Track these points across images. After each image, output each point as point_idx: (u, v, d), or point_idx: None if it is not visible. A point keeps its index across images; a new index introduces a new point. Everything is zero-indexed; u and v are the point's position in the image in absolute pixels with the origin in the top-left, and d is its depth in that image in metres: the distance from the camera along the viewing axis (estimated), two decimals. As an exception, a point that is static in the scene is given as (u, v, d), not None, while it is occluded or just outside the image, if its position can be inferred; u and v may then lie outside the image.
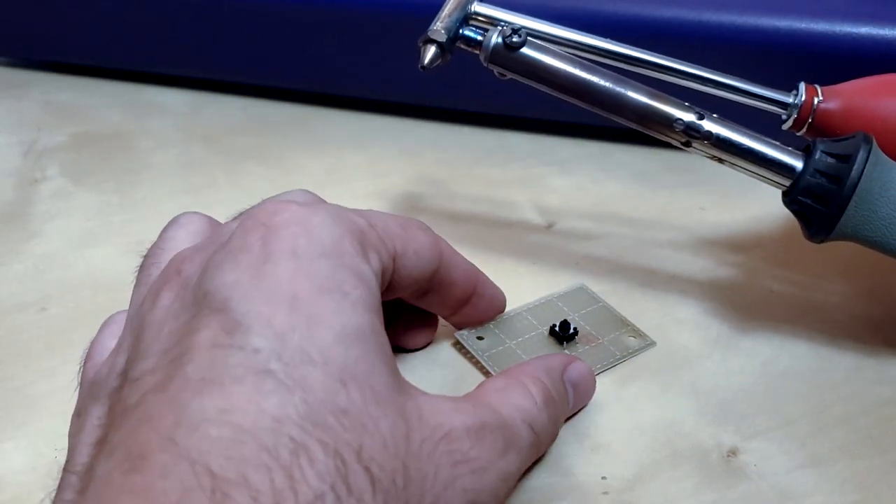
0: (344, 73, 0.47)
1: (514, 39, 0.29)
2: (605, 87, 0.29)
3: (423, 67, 0.30)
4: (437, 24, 0.30)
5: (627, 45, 0.32)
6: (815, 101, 0.31)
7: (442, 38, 0.30)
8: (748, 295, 0.35)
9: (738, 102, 0.32)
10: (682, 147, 0.29)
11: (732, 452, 0.27)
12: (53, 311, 0.34)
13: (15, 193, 0.42)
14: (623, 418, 0.29)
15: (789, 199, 0.29)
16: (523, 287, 0.34)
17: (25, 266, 0.37)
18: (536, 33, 0.31)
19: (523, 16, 0.32)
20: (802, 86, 0.32)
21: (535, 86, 0.30)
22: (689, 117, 0.29)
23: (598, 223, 0.40)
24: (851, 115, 0.31)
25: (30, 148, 0.46)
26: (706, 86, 0.32)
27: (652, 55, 0.32)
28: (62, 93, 0.52)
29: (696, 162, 0.40)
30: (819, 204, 0.28)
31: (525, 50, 0.29)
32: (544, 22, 0.31)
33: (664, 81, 0.32)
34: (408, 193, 0.42)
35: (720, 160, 0.29)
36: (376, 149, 0.46)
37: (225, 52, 0.49)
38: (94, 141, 0.47)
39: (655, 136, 0.30)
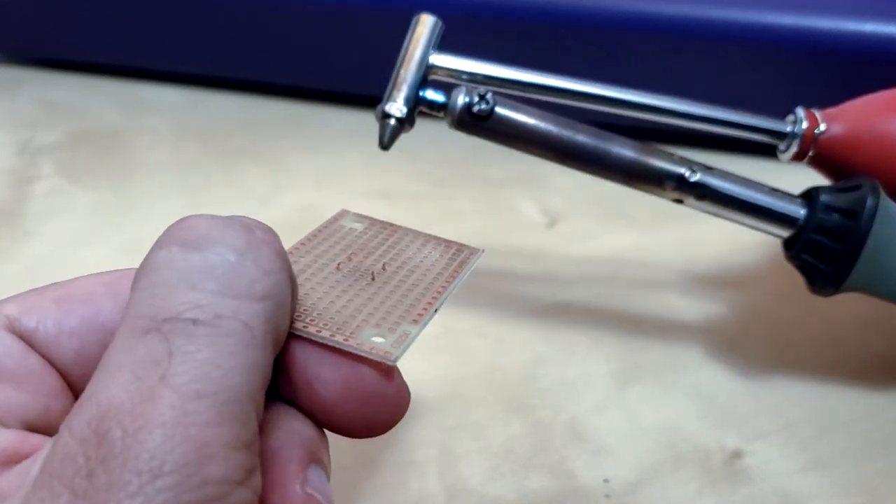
0: (341, 70, 0.47)
1: (482, 108, 0.26)
2: (585, 145, 0.27)
3: (383, 147, 0.27)
4: (395, 93, 0.27)
5: (606, 86, 0.28)
6: (818, 129, 0.28)
7: (401, 113, 0.27)
8: (750, 295, 0.34)
9: (729, 136, 0.29)
10: (674, 202, 0.27)
11: (735, 455, 0.27)
12: (48, 311, 0.33)
13: (9, 192, 0.42)
14: (625, 421, 0.28)
15: (792, 253, 0.27)
16: (524, 287, 0.34)
17: (19, 266, 0.36)
18: (505, 85, 0.28)
19: (486, 63, 0.28)
20: (801, 112, 0.29)
21: (509, 147, 0.27)
22: (679, 172, 0.26)
23: (599, 222, 0.39)
24: (856, 142, 0.28)
25: (25, 146, 0.46)
26: (694, 122, 0.29)
27: (632, 94, 0.28)
28: (57, 91, 0.51)
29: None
30: (824, 263, 0.26)
31: (495, 112, 0.27)
32: (511, 68, 0.28)
33: (649, 123, 0.29)
34: (407, 192, 0.42)
35: (715, 215, 0.27)
36: (374, 147, 0.45)
37: (221, 49, 0.48)
38: (89, 139, 0.47)
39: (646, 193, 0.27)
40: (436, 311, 0.20)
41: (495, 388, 0.30)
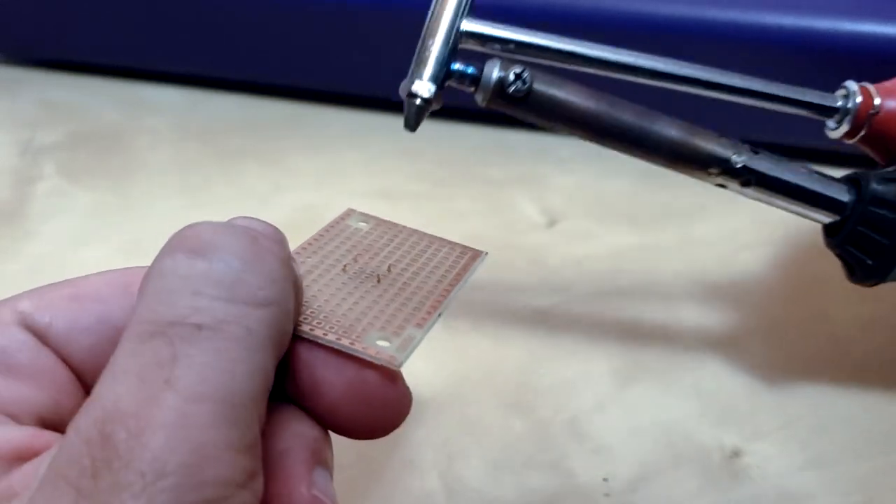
0: (341, 70, 0.47)
1: (519, 87, 0.24)
2: (628, 123, 0.25)
3: (410, 128, 0.24)
4: (421, 68, 0.24)
5: (647, 56, 0.26)
6: (873, 104, 0.26)
7: (430, 93, 0.24)
8: (750, 294, 0.34)
9: (772, 111, 0.27)
10: (716, 186, 0.26)
11: (735, 454, 0.27)
12: (49, 311, 0.33)
13: (11, 193, 0.42)
14: (625, 419, 0.28)
15: (833, 241, 0.26)
16: (524, 286, 0.34)
17: (20, 266, 0.36)
18: (544, 55, 0.25)
19: (524, 31, 0.26)
20: (854, 86, 0.26)
21: (543, 125, 0.25)
22: (725, 155, 0.25)
23: (599, 222, 0.39)
24: None
25: (26, 147, 0.46)
26: (738, 96, 0.26)
27: (676, 66, 0.26)
28: (58, 91, 0.51)
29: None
30: (868, 256, 0.25)
31: (533, 91, 0.24)
32: (548, 37, 0.25)
33: (690, 95, 0.27)
34: (407, 192, 0.42)
35: (756, 199, 0.26)
36: (375, 147, 0.46)
37: (221, 49, 0.48)
38: (90, 139, 0.47)
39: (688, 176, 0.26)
40: (439, 314, 0.20)
41: (495, 387, 0.30)
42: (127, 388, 0.15)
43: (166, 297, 0.16)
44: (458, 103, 0.47)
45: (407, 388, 0.18)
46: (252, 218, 0.19)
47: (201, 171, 0.44)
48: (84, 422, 0.14)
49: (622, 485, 0.26)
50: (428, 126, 0.51)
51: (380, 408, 0.18)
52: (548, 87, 0.24)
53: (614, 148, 0.25)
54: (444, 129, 0.47)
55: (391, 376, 0.18)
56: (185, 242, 0.17)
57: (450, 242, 0.22)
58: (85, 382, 0.18)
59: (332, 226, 0.22)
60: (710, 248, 0.37)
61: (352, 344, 0.18)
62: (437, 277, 0.21)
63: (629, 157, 0.26)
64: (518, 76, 0.24)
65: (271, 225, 0.19)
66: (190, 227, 0.17)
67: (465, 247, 0.22)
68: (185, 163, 0.44)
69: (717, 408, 0.29)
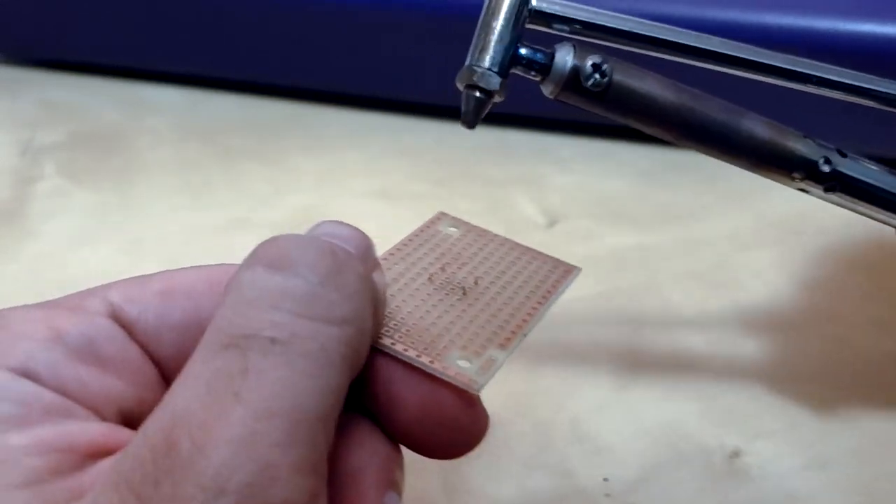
0: (341, 70, 0.47)
1: (597, 80, 0.21)
2: (714, 121, 0.22)
3: (468, 125, 0.22)
4: (483, 55, 0.21)
5: (744, 46, 0.24)
6: None
7: (495, 85, 0.21)
8: (751, 294, 0.34)
9: (868, 108, 0.25)
10: (798, 190, 0.25)
11: (736, 454, 0.27)
12: (49, 311, 0.33)
13: (11, 193, 0.42)
14: (625, 420, 0.28)
15: None
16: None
17: (21, 266, 0.36)
18: (620, 39, 0.23)
19: (605, 12, 0.23)
20: None
21: (617, 119, 0.23)
22: (813, 159, 0.23)
23: (599, 222, 0.39)
24: None
25: (26, 147, 0.46)
26: (826, 88, 0.24)
27: (781, 58, 0.24)
28: (58, 91, 0.51)
29: (698, 160, 0.40)
30: None
31: (613, 85, 0.22)
32: (628, 18, 0.23)
33: (776, 88, 0.25)
34: (407, 192, 0.42)
35: (839, 205, 0.24)
36: (375, 147, 0.46)
37: (221, 49, 0.48)
38: (90, 139, 0.47)
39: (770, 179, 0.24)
40: (524, 335, 0.19)
41: (495, 387, 0.30)
42: (196, 396, 0.14)
43: (243, 310, 0.16)
44: (458, 102, 0.47)
45: (484, 412, 0.18)
46: (339, 223, 0.18)
47: (202, 171, 0.43)
48: (152, 426, 0.14)
49: (623, 485, 0.26)
50: (428, 125, 0.52)
51: (453, 430, 0.18)
52: (628, 79, 0.22)
53: (693, 147, 0.23)
54: (443, 129, 0.47)
55: (468, 399, 0.18)
56: (265, 255, 0.17)
57: (541, 255, 0.22)
58: (168, 380, 0.18)
59: (421, 230, 0.22)
60: (710, 248, 0.37)
61: (431, 362, 0.17)
62: (525, 293, 0.20)
63: (704, 154, 0.24)
64: (597, 67, 0.21)
65: (357, 231, 0.18)
66: (273, 239, 0.17)
67: (557, 260, 0.22)
68: (186, 163, 0.44)
69: (717, 408, 0.29)
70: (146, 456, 0.14)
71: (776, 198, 0.39)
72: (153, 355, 0.18)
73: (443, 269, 0.20)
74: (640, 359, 0.31)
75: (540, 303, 0.20)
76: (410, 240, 0.21)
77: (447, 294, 0.20)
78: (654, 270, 0.36)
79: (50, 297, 0.17)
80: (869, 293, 0.34)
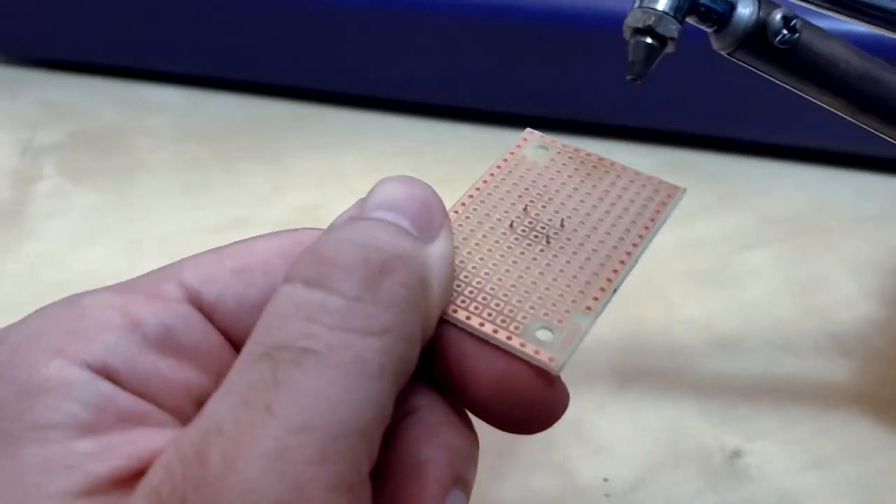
0: (341, 70, 0.47)
1: (786, 36, 0.19)
2: None
3: (636, 77, 0.19)
4: (659, 2, 0.19)
5: None
6: None
7: (672, 32, 0.19)
8: (750, 294, 0.34)
9: None
10: None
11: (735, 454, 0.27)
12: (49, 311, 0.33)
13: (11, 193, 0.42)
14: (625, 420, 0.28)
15: None
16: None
17: (21, 266, 0.36)
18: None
19: None
20: None
21: (789, 85, 0.21)
22: None
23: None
24: None
25: (26, 147, 0.46)
26: None
27: None
28: (58, 91, 0.51)
29: (698, 160, 0.40)
30: None
31: (800, 43, 0.20)
32: None
33: None
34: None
35: None
36: (375, 147, 0.46)
37: (221, 49, 0.48)
38: (90, 140, 0.47)
39: None
40: (615, 290, 0.17)
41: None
42: (229, 408, 0.14)
43: (279, 321, 0.15)
44: (458, 103, 0.47)
45: (564, 390, 0.17)
46: (397, 183, 0.17)
47: (202, 171, 0.44)
48: (186, 438, 0.14)
49: (623, 485, 0.26)
50: (428, 125, 0.52)
51: (529, 409, 0.17)
52: (817, 40, 0.20)
53: (869, 122, 0.21)
54: (443, 129, 0.47)
55: (547, 378, 0.16)
56: (306, 270, 0.16)
57: (640, 175, 0.19)
58: None
59: (506, 159, 0.20)
60: (709, 248, 0.37)
61: (509, 339, 0.16)
62: (618, 233, 0.18)
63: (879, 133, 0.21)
64: (787, 21, 0.19)
65: (416, 194, 0.17)
66: (312, 246, 0.16)
67: (660, 181, 0.19)
68: (186, 163, 0.44)
69: (717, 408, 0.29)
70: (176, 468, 0.13)
71: (776, 198, 0.39)
72: (234, 340, 0.17)
73: (525, 210, 0.18)
74: (640, 359, 0.31)
75: (635, 244, 0.18)
76: (492, 174, 0.19)
77: (529, 245, 0.18)
78: (653, 270, 0.36)
79: (49, 300, 0.17)
80: (865, 294, 0.34)
